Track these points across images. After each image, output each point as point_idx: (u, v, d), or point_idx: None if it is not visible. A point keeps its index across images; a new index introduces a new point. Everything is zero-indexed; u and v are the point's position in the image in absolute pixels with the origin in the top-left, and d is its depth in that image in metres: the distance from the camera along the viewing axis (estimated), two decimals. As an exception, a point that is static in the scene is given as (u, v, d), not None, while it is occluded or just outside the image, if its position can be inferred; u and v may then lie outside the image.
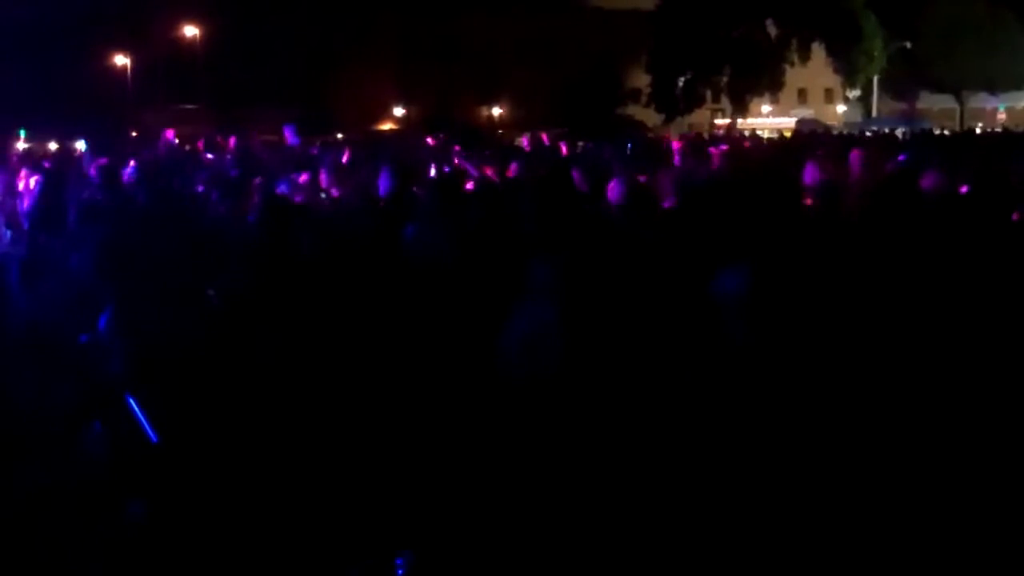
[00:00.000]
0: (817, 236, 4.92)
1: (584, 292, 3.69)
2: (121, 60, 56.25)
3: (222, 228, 6.42)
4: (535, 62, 67.37)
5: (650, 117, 60.13)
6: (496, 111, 67.72)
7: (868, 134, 35.76)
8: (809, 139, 24.24)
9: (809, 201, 6.32)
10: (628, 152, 13.83)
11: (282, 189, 8.64)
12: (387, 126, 60.15)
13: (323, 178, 9.48)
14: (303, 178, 9.07)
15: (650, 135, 38.58)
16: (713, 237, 4.58)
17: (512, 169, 9.59)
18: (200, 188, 8.96)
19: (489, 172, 9.58)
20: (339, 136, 32.79)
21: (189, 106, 45.24)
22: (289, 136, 13.32)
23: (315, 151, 13.81)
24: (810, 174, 7.14)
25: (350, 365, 3.83)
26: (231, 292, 4.69)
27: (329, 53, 63.56)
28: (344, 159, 10.03)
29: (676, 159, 11.07)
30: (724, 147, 12.99)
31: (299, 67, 61.29)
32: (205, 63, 55.69)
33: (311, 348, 3.99)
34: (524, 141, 18.28)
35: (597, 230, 5.34)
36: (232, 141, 14.40)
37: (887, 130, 40.03)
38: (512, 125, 56.11)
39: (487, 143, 22.96)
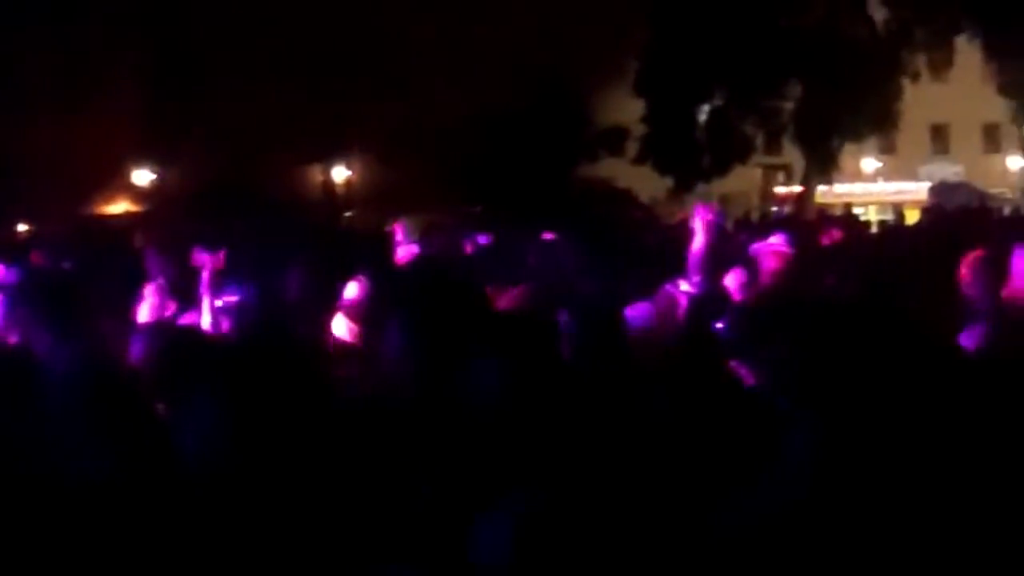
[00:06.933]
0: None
1: None
2: None
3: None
4: (414, 76, 33.51)
5: (646, 182, 32.79)
6: (340, 173, 36.74)
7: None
8: (957, 222, 12.96)
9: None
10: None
11: None
12: (119, 207, 33.69)
13: None
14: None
15: (641, 214, 21.75)
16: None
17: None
18: None
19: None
20: (21, 229, 21.98)
21: None
22: None
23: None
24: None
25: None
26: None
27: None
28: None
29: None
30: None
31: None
32: None
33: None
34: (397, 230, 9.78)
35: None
36: None
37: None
38: (368, 199, 32.21)
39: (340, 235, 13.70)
